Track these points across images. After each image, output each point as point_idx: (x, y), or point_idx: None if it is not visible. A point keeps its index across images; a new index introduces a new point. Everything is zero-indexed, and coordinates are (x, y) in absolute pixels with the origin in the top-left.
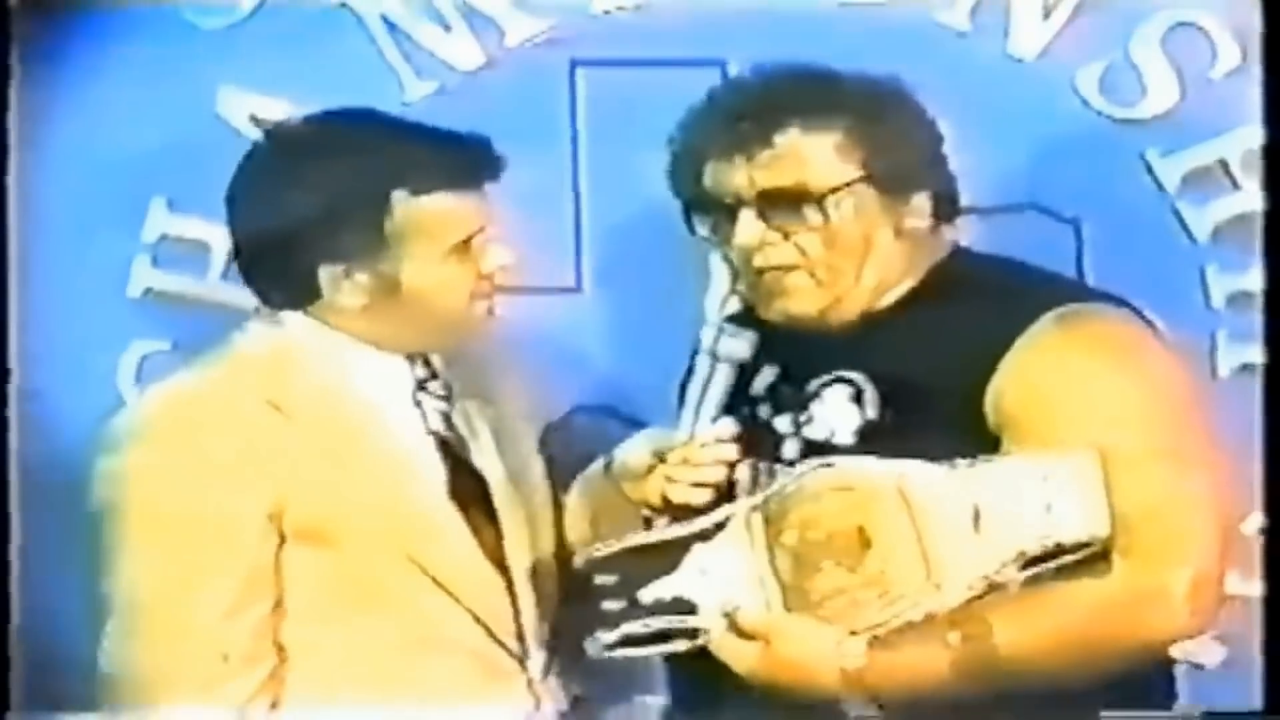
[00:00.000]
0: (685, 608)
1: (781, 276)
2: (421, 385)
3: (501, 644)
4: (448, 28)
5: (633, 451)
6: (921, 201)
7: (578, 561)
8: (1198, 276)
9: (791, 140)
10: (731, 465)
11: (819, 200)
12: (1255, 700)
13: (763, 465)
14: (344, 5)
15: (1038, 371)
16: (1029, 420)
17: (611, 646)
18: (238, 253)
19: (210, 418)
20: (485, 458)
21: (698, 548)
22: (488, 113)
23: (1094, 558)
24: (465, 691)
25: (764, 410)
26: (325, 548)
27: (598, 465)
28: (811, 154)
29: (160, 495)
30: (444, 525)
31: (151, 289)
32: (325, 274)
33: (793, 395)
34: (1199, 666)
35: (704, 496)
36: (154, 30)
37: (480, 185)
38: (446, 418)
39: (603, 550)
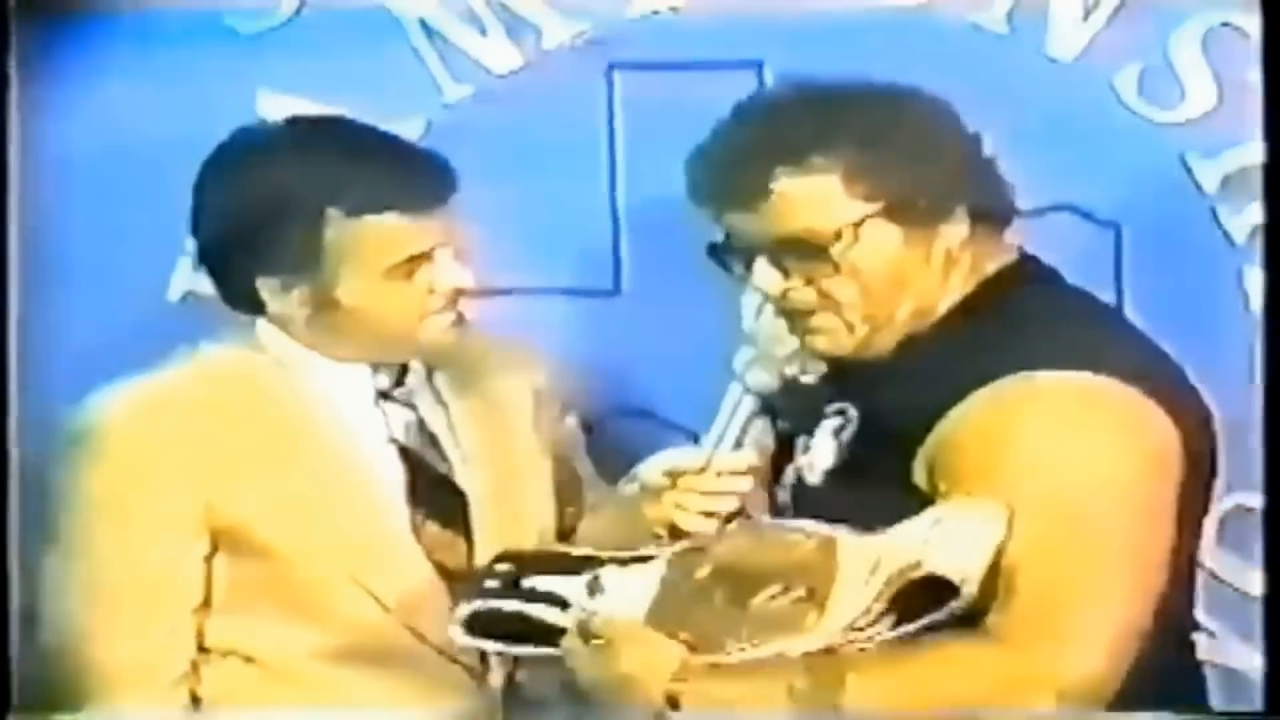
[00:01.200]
0: (557, 603)
1: (810, 317)
2: (384, 394)
3: (452, 660)
4: (485, 31)
5: (649, 471)
6: (957, 221)
7: (501, 552)
8: (1236, 279)
9: (787, 185)
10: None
11: (827, 245)
12: None
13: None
14: (383, 9)
15: (973, 435)
16: (955, 484)
17: (469, 622)
18: (200, 255)
19: (147, 421)
20: (468, 467)
21: (611, 568)
22: (525, 115)
23: (965, 620)
24: (414, 706)
25: (796, 425)
26: (255, 555)
27: (626, 479)
28: (812, 197)
29: (96, 493)
30: (391, 541)
31: (192, 292)
32: (263, 284)
33: (811, 417)
34: (1232, 670)
35: (710, 526)
36: (194, 34)
37: (429, 207)
38: (418, 426)
39: (527, 550)
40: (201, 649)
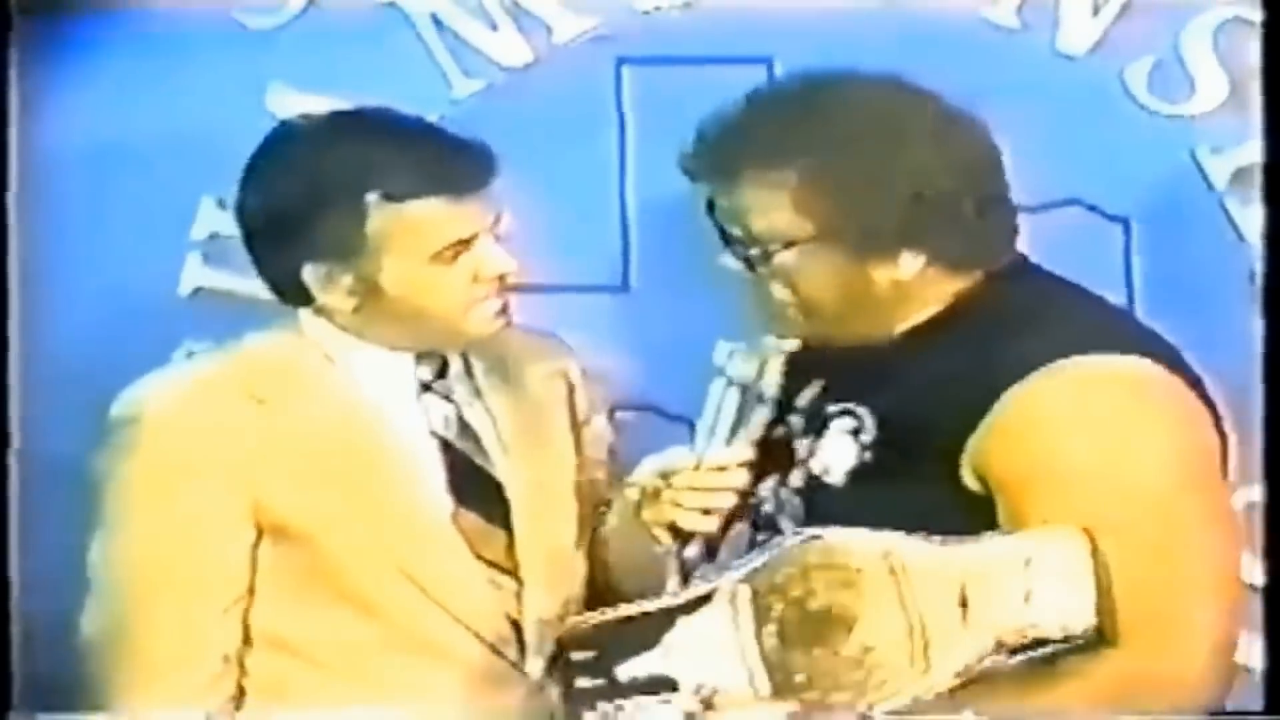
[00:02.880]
0: (665, 685)
1: (776, 303)
2: (426, 386)
3: (495, 650)
4: (495, 26)
5: (643, 474)
6: (906, 258)
7: (560, 634)
8: (1247, 274)
9: (744, 187)
10: (742, 493)
11: (762, 252)
12: None
13: (774, 489)
14: (393, 4)
15: (1023, 434)
16: (1015, 489)
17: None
18: (247, 247)
19: (194, 410)
20: (506, 459)
21: (682, 621)
22: (534, 110)
23: (1084, 646)
24: (453, 694)
25: (797, 426)
26: (300, 545)
27: (625, 486)
28: (760, 204)
29: (141, 483)
30: (433, 530)
31: (202, 287)
32: (310, 273)
33: (814, 417)
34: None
35: (711, 523)
36: (203, 30)
37: (470, 191)
38: (457, 419)
39: (583, 623)
40: (246, 639)
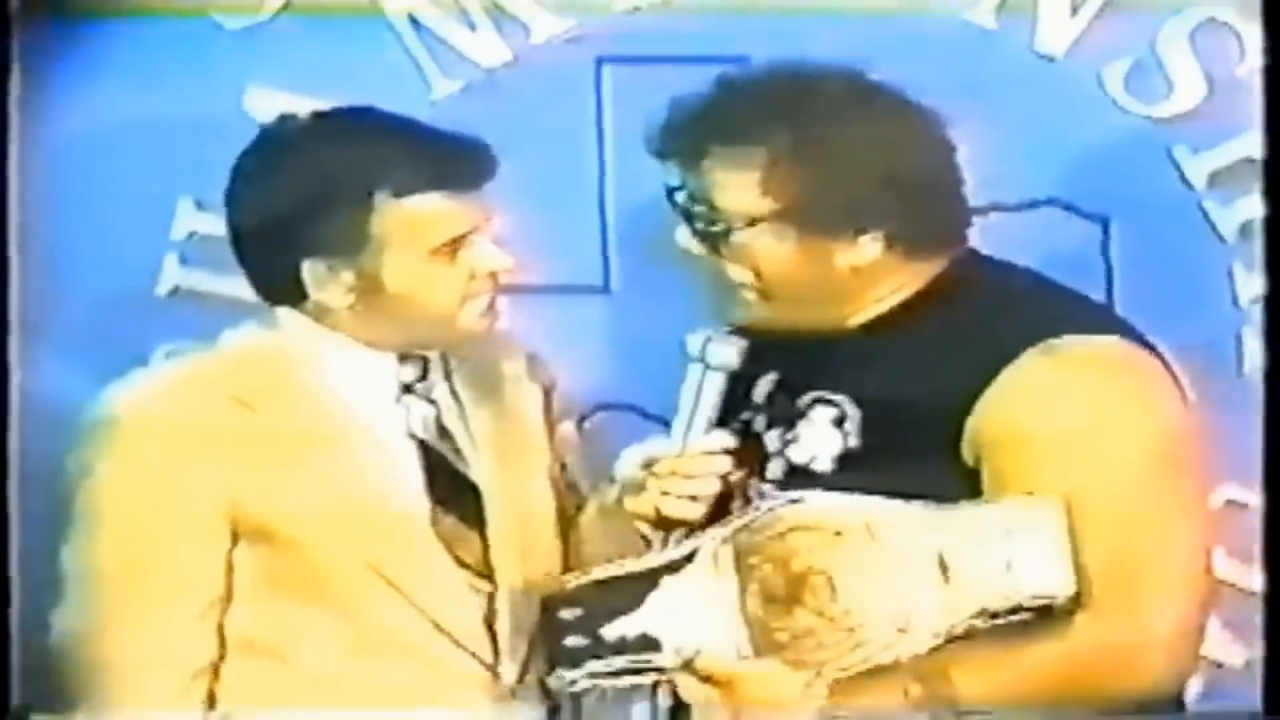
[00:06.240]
0: (650, 645)
1: (735, 285)
2: (408, 388)
3: (471, 653)
4: (474, 26)
5: (626, 466)
6: (866, 241)
7: (545, 593)
8: (1225, 274)
9: (712, 163)
10: (725, 477)
11: (726, 229)
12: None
13: (751, 483)
14: (371, 4)
15: (1014, 408)
16: (1002, 460)
17: (574, 683)
18: (235, 245)
19: (172, 411)
20: (481, 462)
21: (666, 581)
22: (513, 110)
23: (1060, 612)
24: (427, 698)
25: (759, 421)
26: (277, 547)
27: (607, 481)
28: (727, 182)
29: (117, 484)
30: (411, 533)
31: (180, 287)
32: (309, 270)
33: (784, 410)
34: (1219, 665)
35: (697, 510)
36: (182, 31)
37: (470, 188)
38: (436, 421)
39: (570, 583)
40: (223, 643)
